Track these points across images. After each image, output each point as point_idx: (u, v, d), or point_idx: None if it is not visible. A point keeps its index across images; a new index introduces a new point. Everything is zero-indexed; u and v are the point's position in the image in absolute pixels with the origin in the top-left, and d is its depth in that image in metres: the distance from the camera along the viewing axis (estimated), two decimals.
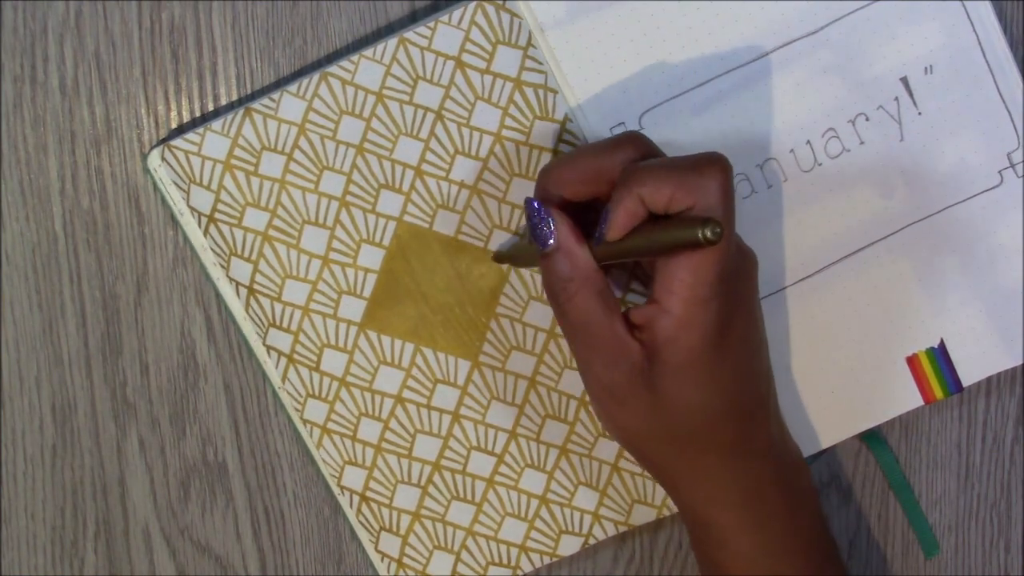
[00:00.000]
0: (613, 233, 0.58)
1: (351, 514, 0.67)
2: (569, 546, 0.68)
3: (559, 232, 0.59)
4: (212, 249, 0.65)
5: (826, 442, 0.68)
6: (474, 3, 0.64)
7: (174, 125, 0.65)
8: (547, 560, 0.68)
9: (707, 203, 0.56)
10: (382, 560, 0.67)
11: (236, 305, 0.65)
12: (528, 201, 0.60)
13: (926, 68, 0.66)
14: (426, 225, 0.65)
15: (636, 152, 0.59)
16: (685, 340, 0.57)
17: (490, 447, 0.67)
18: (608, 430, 0.62)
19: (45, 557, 0.67)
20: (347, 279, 0.65)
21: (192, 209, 0.64)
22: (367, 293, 0.65)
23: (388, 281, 0.65)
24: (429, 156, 0.65)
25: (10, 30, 0.64)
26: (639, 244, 0.57)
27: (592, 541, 0.68)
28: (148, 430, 0.67)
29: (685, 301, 0.57)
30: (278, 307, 0.65)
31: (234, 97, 0.66)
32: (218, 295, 0.66)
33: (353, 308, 0.65)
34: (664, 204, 0.56)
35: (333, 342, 0.65)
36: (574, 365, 0.66)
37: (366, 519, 0.67)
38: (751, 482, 0.61)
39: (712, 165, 0.56)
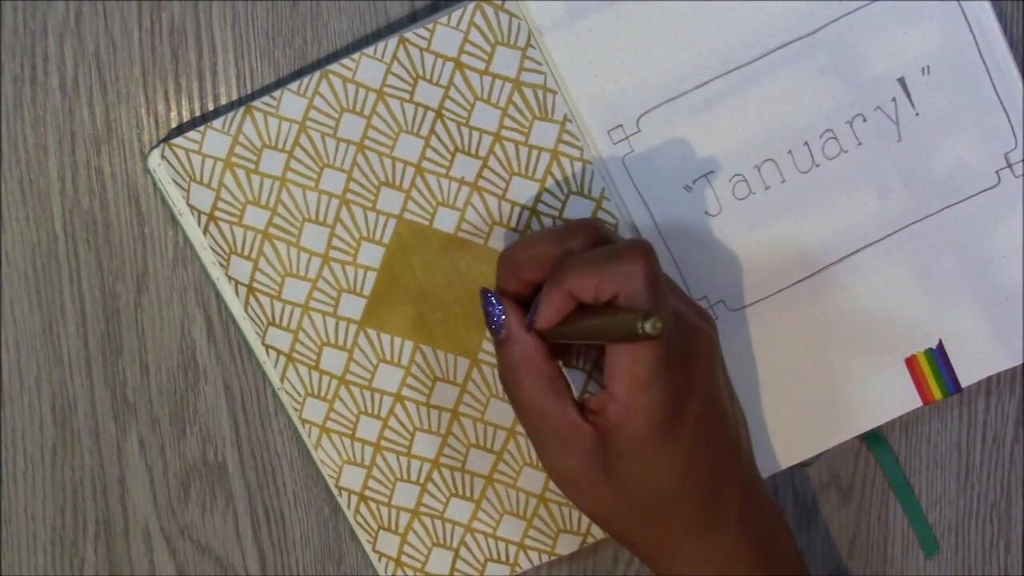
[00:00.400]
0: (540, 324, 0.59)
1: (349, 515, 0.67)
2: (568, 545, 0.67)
3: (508, 320, 0.60)
4: (212, 248, 0.65)
5: (824, 444, 0.67)
6: (472, 4, 0.64)
7: (174, 125, 0.65)
8: (545, 558, 0.67)
9: (632, 289, 0.57)
10: (380, 560, 0.67)
11: (236, 304, 0.65)
12: (481, 291, 0.61)
13: (923, 69, 0.66)
14: (426, 222, 0.65)
15: (585, 242, 0.60)
16: (630, 426, 0.58)
17: (489, 445, 0.67)
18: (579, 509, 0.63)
19: (45, 557, 0.67)
20: (347, 277, 0.65)
21: (192, 208, 0.64)
22: (367, 291, 0.65)
23: (388, 279, 0.65)
24: (429, 153, 0.65)
25: (10, 30, 0.64)
26: (584, 331, 0.58)
27: (591, 540, 0.67)
28: (148, 430, 0.67)
29: (627, 388, 0.58)
30: (278, 305, 0.65)
31: (234, 97, 0.66)
32: (218, 295, 0.66)
33: (353, 306, 0.65)
34: (592, 295, 0.58)
35: (333, 340, 0.65)
36: (574, 364, 0.66)
37: (364, 519, 0.67)
38: (722, 557, 0.61)
39: (632, 252, 0.58)
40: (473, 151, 0.65)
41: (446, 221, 0.65)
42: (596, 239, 0.61)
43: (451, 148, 0.65)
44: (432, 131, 0.64)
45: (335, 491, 0.67)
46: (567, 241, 0.60)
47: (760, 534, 0.62)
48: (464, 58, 0.64)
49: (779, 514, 0.64)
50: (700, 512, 0.60)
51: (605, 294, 0.57)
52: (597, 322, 0.57)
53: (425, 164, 0.65)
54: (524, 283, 0.61)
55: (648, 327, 0.53)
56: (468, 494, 0.67)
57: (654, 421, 0.58)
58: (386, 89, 0.64)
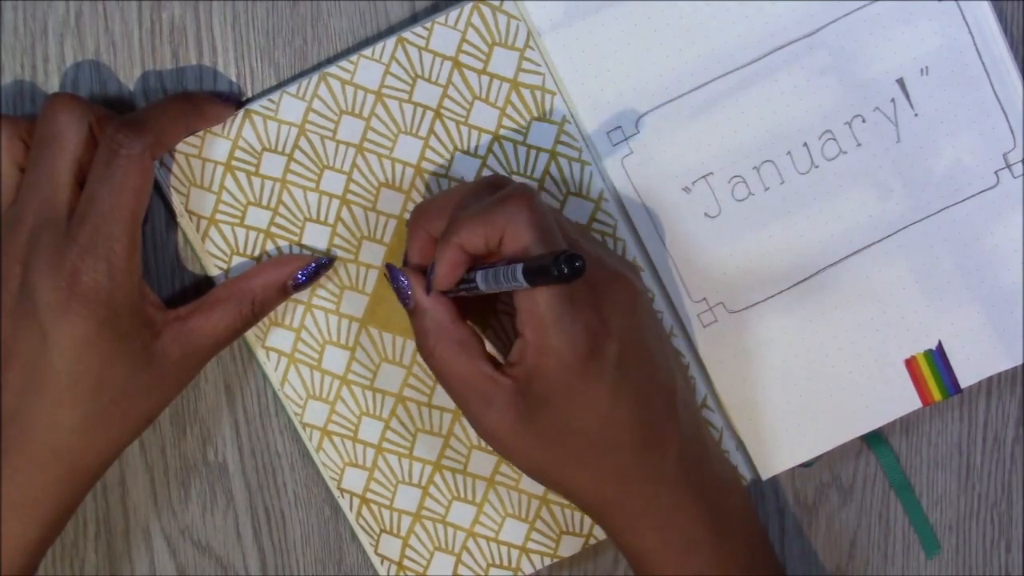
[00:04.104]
0: (439, 285, 0.59)
1: (351, 516, 0.67)
2: (570, 547, 0.67)
3: (413, 292, 0.60)
4: (211, 253, 0.65)
5: (824, 445, 0.67)
6: (470, 5, 0.64)
7: None
8: (548, 561, 0.67)
9: (516, 231, 0.56)
10: (382, 563, 0.67)
11: None
12: (387, 267, 0.62)
13: (922, 69, 0.66)
14: None
15: (490, 195, 0.59)
16: (543, 368, 0.58)
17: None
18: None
19: (45, 557, 0.66)
20: (349, 275, 0.65)
21: (191, 213, 0.64)
22: (368, 289, 0.65)
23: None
24: (429, 154, 0.65)
25: (10, 30, 0.64)
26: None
27: (592, 541, 0.67)
28: (148, 430, 0.67)
29: (535, 329, 0.57)
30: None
31: None
32: None
33: (355, 304, 0.65)
34: (483, 245, 0.57)
35: (335, 339, 0.65)
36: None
37: (366, 522, 0.66)
38: (663, 507, 0.61)
39: (513, 196, 0.57)
40: (472, 150, 0.65)
41: None
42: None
43: (451, 148, 0.65)
44: (431, 131, 0.65)
45: (336, 493, 0.66)
46: (470, 196, 0.60)
47: (705, 491, 0.61)
48: (462, 57, 0.64)
49: (733, 475, 0.65)
50: (631, 461, 0.60)
51: (494, 242, 0.57)
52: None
53: (425, 164, 0.65)
54: (432, 239, 0.61)
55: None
56: (470, 497, 0.67)
57: (565, 360, 0.57)
58: (384, 90, 0.64)
